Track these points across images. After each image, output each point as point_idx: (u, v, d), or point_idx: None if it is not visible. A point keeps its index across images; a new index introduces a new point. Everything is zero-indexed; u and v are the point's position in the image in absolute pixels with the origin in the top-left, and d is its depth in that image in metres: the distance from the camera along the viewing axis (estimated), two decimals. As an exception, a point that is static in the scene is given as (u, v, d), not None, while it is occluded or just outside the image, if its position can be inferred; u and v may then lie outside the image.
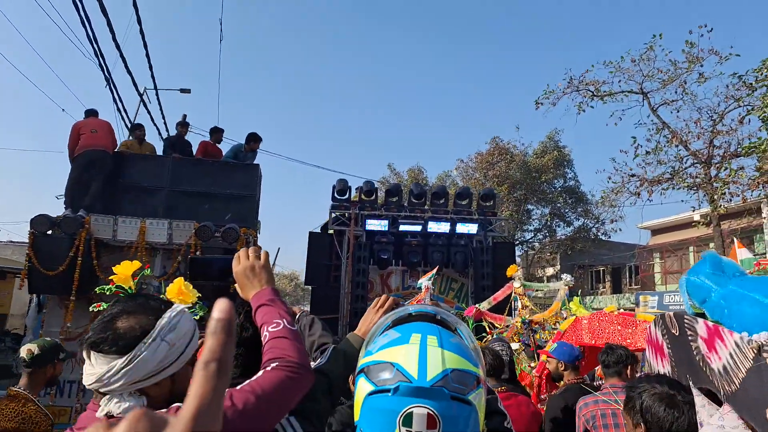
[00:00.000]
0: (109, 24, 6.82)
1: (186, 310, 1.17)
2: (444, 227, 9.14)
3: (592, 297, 26.93)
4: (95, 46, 7.04)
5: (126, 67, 8.29)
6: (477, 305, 5.34)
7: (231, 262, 1.33)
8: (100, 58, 7.37)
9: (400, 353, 0.93)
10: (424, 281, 5.70)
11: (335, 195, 9.18)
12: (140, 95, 14.71)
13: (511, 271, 5.69)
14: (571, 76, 15.29)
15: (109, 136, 6.76)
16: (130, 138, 7.87)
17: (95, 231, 5.86)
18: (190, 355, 1.15)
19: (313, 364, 1.67)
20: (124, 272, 2.75)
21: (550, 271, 32.34)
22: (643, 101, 14.68)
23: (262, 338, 1.16)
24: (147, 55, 9.28)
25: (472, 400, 0.90)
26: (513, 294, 5.55)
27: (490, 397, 1.27)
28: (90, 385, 1.06)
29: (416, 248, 9.04)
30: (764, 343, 1.21)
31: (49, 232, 5.73)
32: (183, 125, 8.15)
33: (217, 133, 8.33)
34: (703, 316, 1.56)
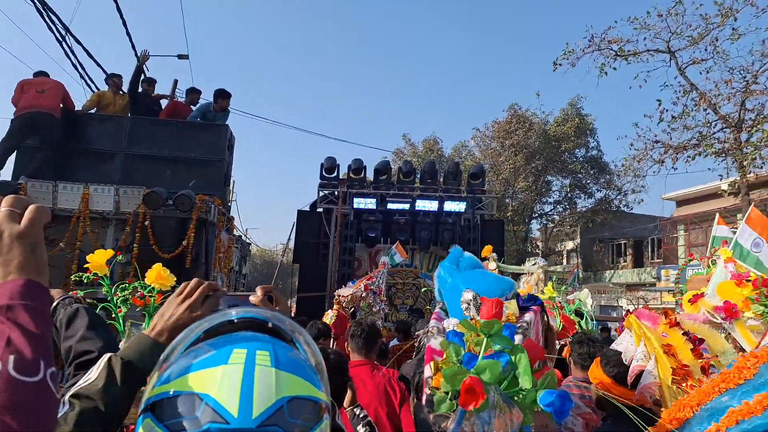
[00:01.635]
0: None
1: None
2: (432, 205, 9.16)
3: (613, 272, 25.95)
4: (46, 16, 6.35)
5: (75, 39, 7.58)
6: None
7: None
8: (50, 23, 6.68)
9: (214, 379, 0.64)
10: (383, 257, 5.30)
11: (323, 173, 9.21)
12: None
13: (485, 252, 5.42)
14: (593, 33, 14.05)
15: (57, 98, 6.13)
16: (108, 88, 7.23)
17: (33, 198, 5.27)
18: None
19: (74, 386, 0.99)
20: (98, 260, 2.70)
21: (569, 245, 31.38)
22: (670, 61, 13.50)
23: None
24: (119, 11, 8.56)
25: None
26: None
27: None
28: None
29: (404, 226, 9.02)
30: (429, 329, 1.36)
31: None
32: (148, 82, 7.46)
33: (192, 93, 7.64)
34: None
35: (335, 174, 9.14)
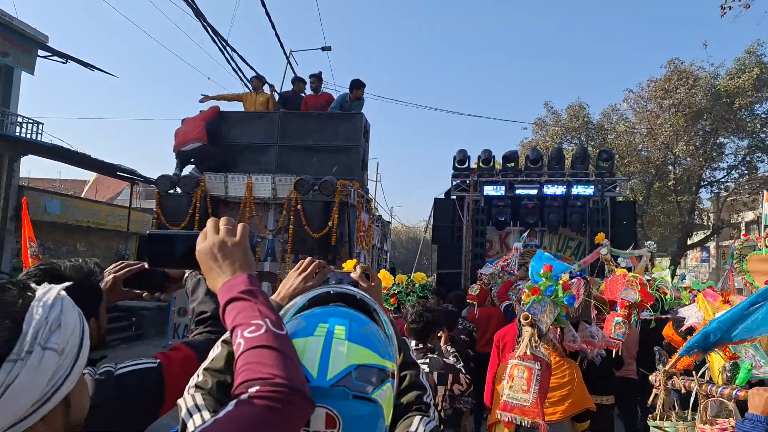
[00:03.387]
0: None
1: (63, 292, 0.79)
2: (560, 190, 9.62)
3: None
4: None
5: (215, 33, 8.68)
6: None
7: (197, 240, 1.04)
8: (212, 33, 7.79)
9: (303, 348, 0.87)
10: (516, 243, 6.48)
11: (456, 165, 10.29)
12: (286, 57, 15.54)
13: (598, 239, 6.13)
14: (774, -36, 11.79)
15: (196, 126, 6.95)
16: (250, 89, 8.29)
17: (210, 189, 6.34)
18: (84, 365, 0.79)
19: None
20: (348, 266, 3.52)
21: (749, 215, 27.10)
22: None
23: (235, 347, 0.85)
24: (267, 14, 9.59)
25: (376, 397, 0.86)
26: (601, 260, 5.92)
27: (411, 372, 1.21)
28: None
29: (533, 210, 9.60)
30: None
31: (172, 191, 6.36)
32: (298, 80, 8.28)
33: (313, 81, 8.13)
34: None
35: (466, 165, 10.25)
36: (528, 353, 2.65)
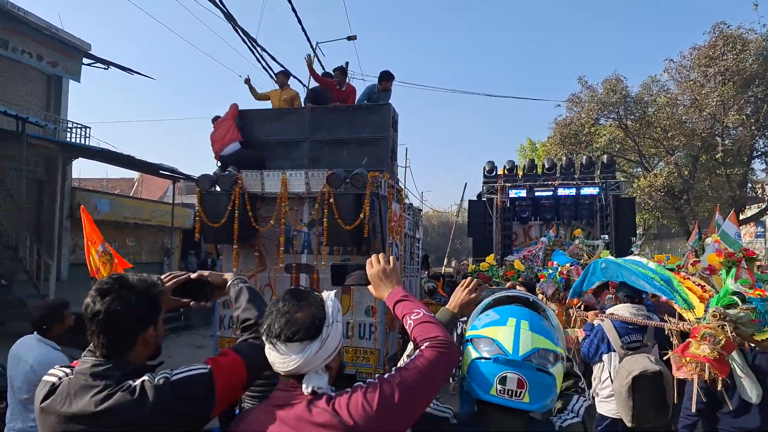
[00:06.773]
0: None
1: (333, 293, 1.37)
2: (571, 192, 12.05)
3: None
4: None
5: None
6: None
7: (364, 267, 1.61)
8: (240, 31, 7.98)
9: (499, 332, 1.28)
10: (543, 238, 9.29)
11: (485, 174, 13.29)
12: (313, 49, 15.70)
13: (576, 233, 8.66)
14: None
15: (228, 127, 7.08)
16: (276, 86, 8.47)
17: (247, 186, 6.58)
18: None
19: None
20: (489, 259, 9.26)
21: (809, 186, 25.51)
22: None
23: (407, 326, 1.41)
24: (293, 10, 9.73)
25: (552, 372, 1.26)
26: (575, 248, 8.07)
27: (568, 364, 1.51)
28: (291, 369, 1.24)
29: (549, 208, 12.10)
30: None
31: (212, 189, 6.64)
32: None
33: (337, 74, 8.17)
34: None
35: (494, 173, 13.11)
36: None
